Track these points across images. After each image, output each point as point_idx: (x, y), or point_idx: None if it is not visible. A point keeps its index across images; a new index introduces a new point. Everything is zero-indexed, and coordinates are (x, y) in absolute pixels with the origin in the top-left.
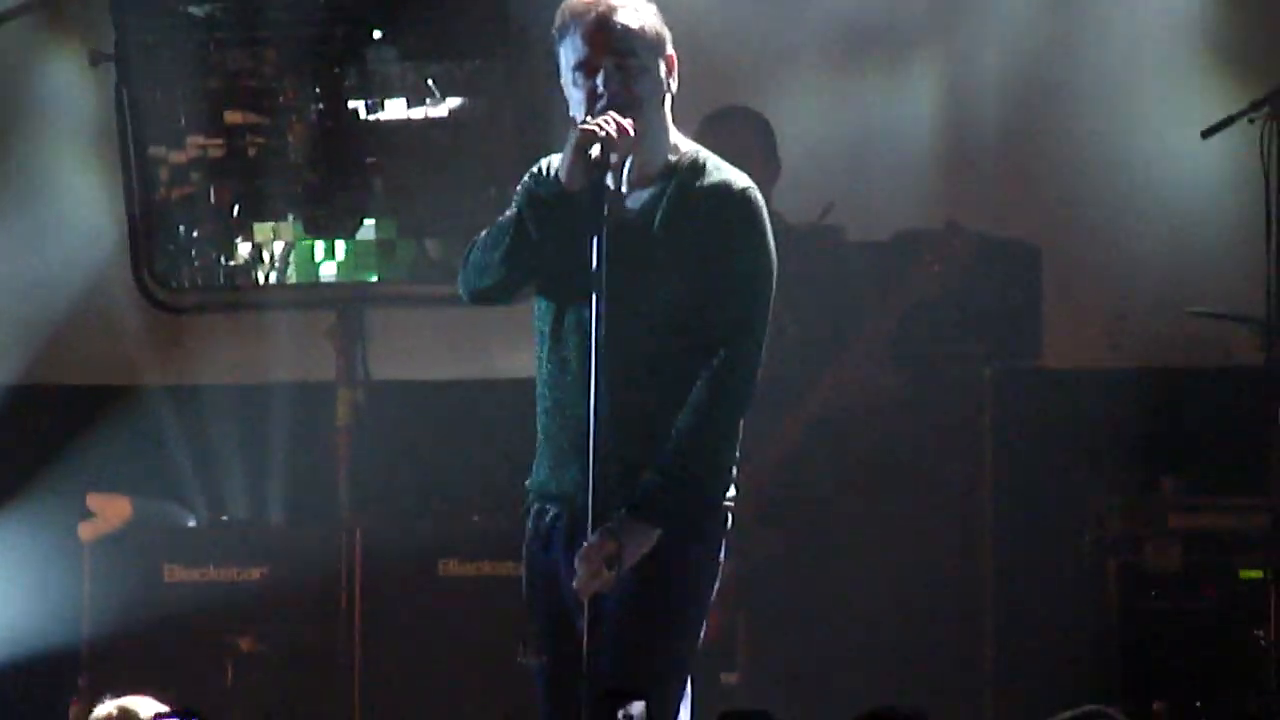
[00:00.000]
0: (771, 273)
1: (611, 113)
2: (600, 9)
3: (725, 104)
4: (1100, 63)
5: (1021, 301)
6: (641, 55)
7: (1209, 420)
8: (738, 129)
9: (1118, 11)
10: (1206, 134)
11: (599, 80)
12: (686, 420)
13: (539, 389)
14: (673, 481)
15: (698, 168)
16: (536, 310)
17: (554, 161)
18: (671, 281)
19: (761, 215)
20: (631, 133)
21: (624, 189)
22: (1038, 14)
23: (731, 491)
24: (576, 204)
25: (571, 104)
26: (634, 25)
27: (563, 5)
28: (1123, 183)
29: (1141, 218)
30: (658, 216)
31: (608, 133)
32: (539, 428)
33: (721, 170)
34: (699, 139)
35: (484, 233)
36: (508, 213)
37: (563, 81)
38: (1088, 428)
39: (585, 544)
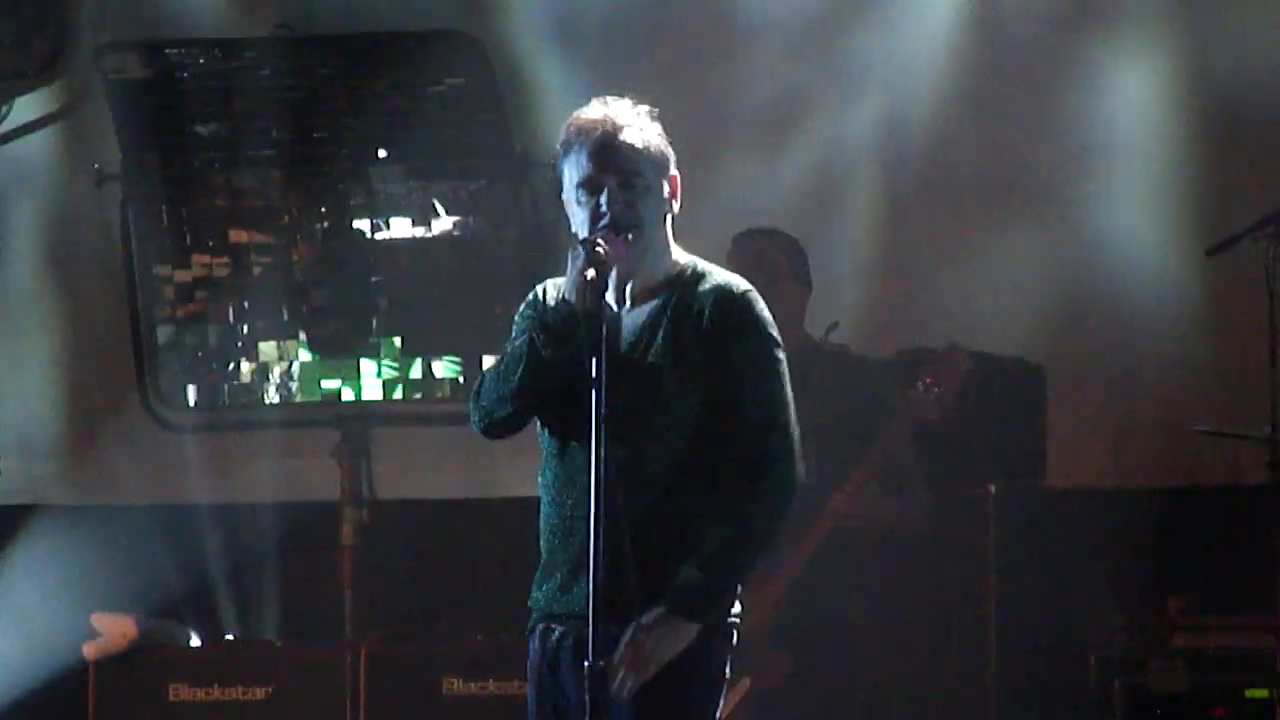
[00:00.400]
0: (782, 366)
1: (609, 231)
2: (605, 127)
3: (746, 224)
4: (1104, 183)
5: (1026, 420)
6: (646, 175)
7: (1214, 539)
8: (769, 248)
9: (1122, 130)
10: (1211, 252)
11: (602, 199)
12: (730, 519)
13: (544, 507)
14: (714, 579)
15: (697, 276)
16: (543, 429)
17: (549, 287)
18: (682, 392)
19: (763, 312)
20: (626, 252)
21: (627, 306)
22: (1041, 133)
23: (737, 608)
24: (582, 323)
25: (573, 221)
26: (639, 144)
27: (567, 122)
28: (1127, 301)
29: (1146, 336)
30: (661, 328)
31: (606, 251)
32: (543, 545)
33: (720, 275)
34: (730, 258)
35: (491, 366)
36: (515, 343)
37: (564, 198)
38: (1093, 547)
39: (627, 641)
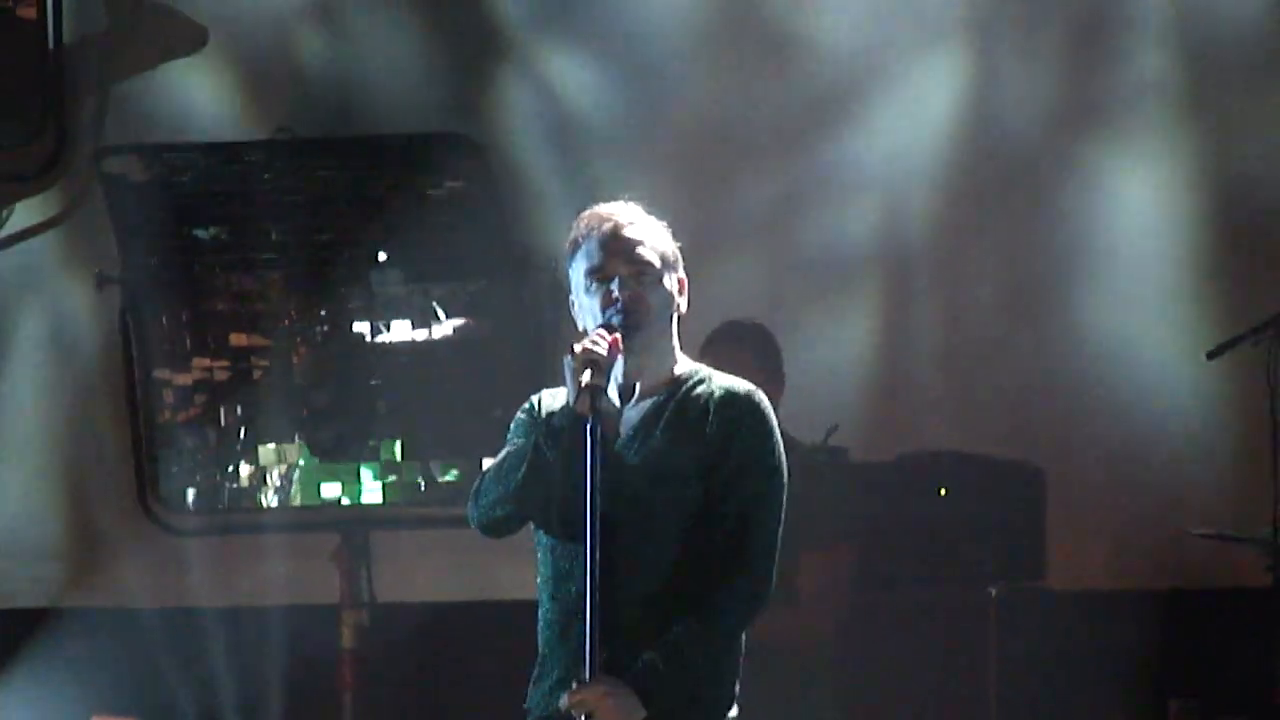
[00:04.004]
0: (778, 471)
1: (600, 331)
2: (616, 219)
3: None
4: (1104, 285)
5: (1025, 522)
6: (656, 267)
7: (1215, 643)
8: (741, 342)
9: (1122, 232)
10: (1212, 355)
11: (614, 286)
12: (701, 612)
13: (542, 602)
14: (672, 670)
15: (701, 379)
16: (537, 528)
17: (545, 396)
18: (672, 489)
19: (768, 414)
20: (620, 350)
21: (632, 401)
22: (1040, 235)
23: (734, 712)
24: (577, 426)
25: (582, 315)
26: (648, 237)
27: (577, 219)
28: (1127, 403)
29: (1146, 439)
30: (657, 428)
31: (599, 353)
32: (540, 642)
33: (724, 378)
34: (702, 353)
35: (492, 465)
36: (516, 445)
37: (572, 298)
38: (1093, 649)
39: (588, 682)
